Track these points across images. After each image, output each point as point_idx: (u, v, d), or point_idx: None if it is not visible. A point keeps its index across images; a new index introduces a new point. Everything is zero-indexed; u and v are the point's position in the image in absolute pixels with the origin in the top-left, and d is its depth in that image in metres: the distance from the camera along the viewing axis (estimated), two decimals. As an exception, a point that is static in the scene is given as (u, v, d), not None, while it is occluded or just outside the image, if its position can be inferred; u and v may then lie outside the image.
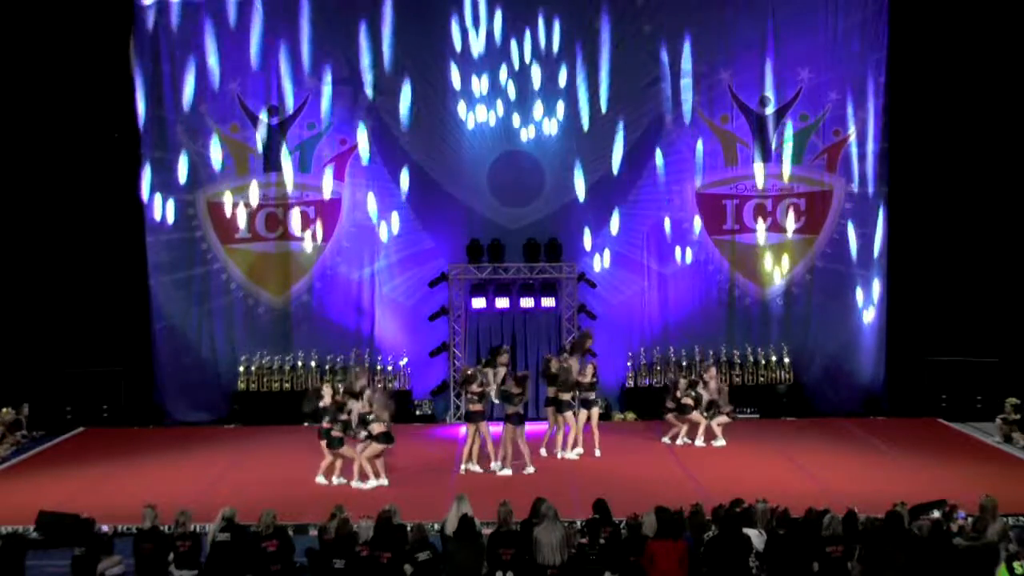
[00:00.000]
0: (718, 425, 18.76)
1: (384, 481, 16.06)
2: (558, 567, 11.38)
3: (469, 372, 17.28)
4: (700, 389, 18.83)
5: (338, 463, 16.25)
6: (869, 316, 21.73)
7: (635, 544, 11.54)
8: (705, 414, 18.74)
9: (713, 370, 19.34)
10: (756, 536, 11.68)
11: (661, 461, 17.80)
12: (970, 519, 12.18)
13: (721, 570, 11.20)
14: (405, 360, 21.55)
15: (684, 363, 21.37)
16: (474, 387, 16.90)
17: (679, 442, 18.73)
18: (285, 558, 11.93)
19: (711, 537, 11.58)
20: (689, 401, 18.72)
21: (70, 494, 15.54)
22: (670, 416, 18.94)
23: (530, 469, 16.78)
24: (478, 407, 16.86)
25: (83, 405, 21.16)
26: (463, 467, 16.84)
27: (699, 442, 18.63)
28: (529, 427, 17.64)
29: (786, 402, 21.45)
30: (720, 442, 18.61)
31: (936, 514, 12.49)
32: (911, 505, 12.57)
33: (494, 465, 16.77)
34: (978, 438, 19.28)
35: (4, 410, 19.29)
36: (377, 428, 16.00)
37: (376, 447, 16.03)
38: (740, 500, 12.39)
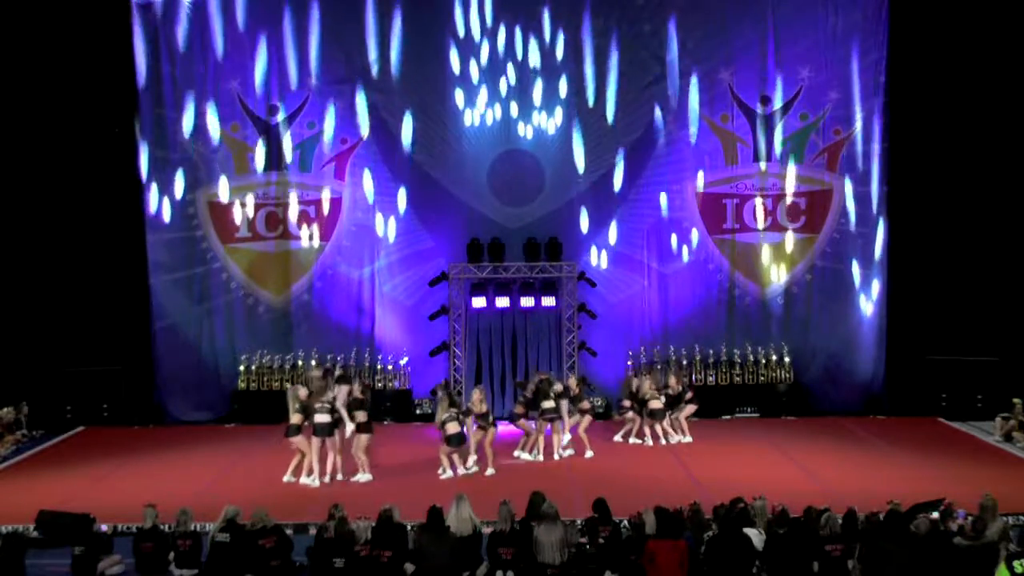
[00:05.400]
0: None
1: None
2: (558, 566, 11.40)
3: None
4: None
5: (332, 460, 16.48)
6: (869, 315, 21.74)
7: (636, 543, 11.54)
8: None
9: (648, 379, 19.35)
10: (756, 536, 11.68)
11: (661, 461, 17.81)
12: (970, 518, 12.17)
13: (722, 569, 11.20)
14: (405, 359, 21.57)
15: (684, 362, 21.39)
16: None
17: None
18: (283, 554, 11.95)
19: (711, 536, 11.58)
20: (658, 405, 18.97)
21: (70, 493, 15.55)
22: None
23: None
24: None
25: (83, 404, 21.19)
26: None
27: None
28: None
29: (786, 401, 21.48)
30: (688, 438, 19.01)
31: (935, 513, 12.48)
32: (911, 504, 12.57)
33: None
34: (978, 437, 19.27)
35: (5, 410, 19.28)
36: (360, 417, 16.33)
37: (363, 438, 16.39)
38: (740, 499, 12.39)
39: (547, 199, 21.92)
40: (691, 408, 19.30)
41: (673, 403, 19.19)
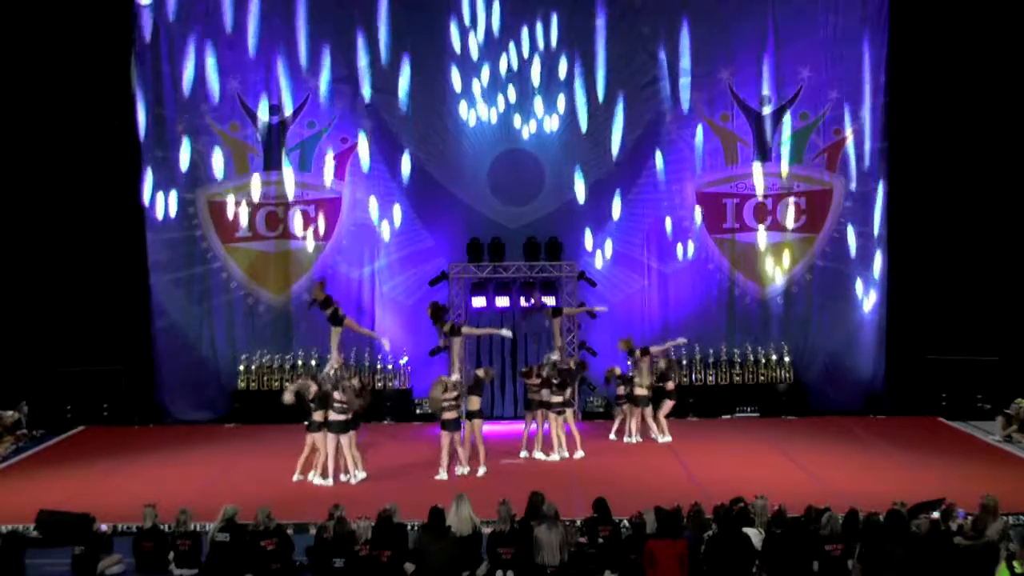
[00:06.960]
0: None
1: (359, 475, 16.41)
2: (557, 567, 11.40)
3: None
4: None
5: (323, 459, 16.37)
6: (869, 315, 21.73)
7: (636, 543, 11.55)
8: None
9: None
10: (756, 535, 11.68)
11: (661, 460, 17.81)
12: (970, 518, 12.19)
13: (722, 569, 11.20)
14: (405, 359, 21.58)
15: (684, 361, 21.40)
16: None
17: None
18: (284, 556, 11.96)
19: (711, 536, 11.58)
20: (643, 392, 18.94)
21: (70, 493, 15.54)
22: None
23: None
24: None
25: (83, 404, 21.19)
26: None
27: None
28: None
29: (786, 401, 21.48)
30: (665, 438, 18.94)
31: (935, 513, 12.48)
32: (911, 505, 12.57)
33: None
34: (978, 437, 19.26)
35: (10, 413, 19.23)
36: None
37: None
38: (740, 499, 12.40)
39: (547, 199, 21.93)
40: (669, 404, 19.23)
41: (661, 378, 19.13)
